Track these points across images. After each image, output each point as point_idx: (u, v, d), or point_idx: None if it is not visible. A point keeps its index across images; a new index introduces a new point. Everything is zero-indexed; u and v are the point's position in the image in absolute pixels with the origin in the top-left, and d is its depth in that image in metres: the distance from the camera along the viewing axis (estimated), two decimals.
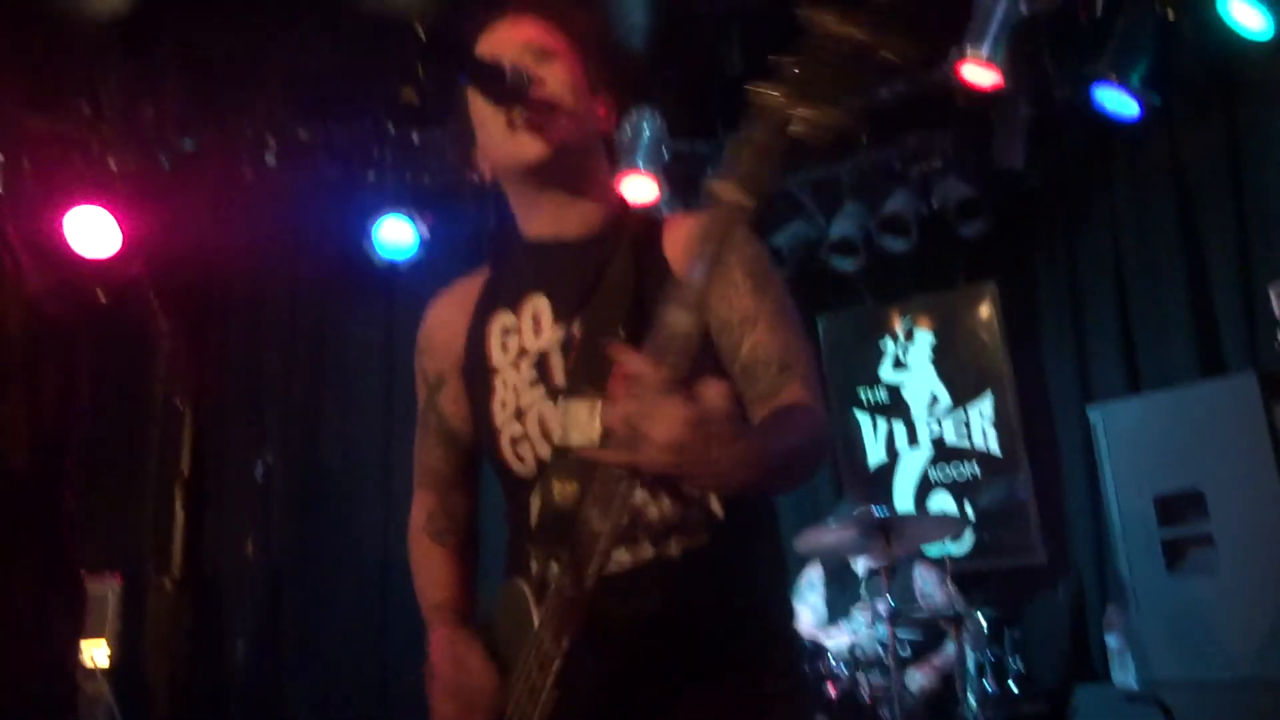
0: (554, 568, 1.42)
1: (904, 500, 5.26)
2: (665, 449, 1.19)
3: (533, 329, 1.61)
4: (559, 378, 1.57)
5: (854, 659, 3.94)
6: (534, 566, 1.51)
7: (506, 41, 1.60)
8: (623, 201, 1.70)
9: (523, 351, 1.61)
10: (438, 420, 1.75)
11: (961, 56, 4.09)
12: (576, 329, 1.56)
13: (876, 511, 4.04)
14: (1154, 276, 4.63)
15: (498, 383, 1.62)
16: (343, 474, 5.48)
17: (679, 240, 1.57)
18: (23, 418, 1.90)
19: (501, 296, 1.67)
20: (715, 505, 1.54)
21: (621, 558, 1.50)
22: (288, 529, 5.20)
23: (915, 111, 4.70)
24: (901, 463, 5.33)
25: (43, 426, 1.95)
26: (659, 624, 1.50)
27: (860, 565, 4.47)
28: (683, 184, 4.91)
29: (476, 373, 1.66)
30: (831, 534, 4.14)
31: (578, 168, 1.62)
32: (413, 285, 5.18)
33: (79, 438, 2.02)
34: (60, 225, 4.39)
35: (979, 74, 4.14)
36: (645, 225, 1.63)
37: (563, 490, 1.49)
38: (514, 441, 1.59)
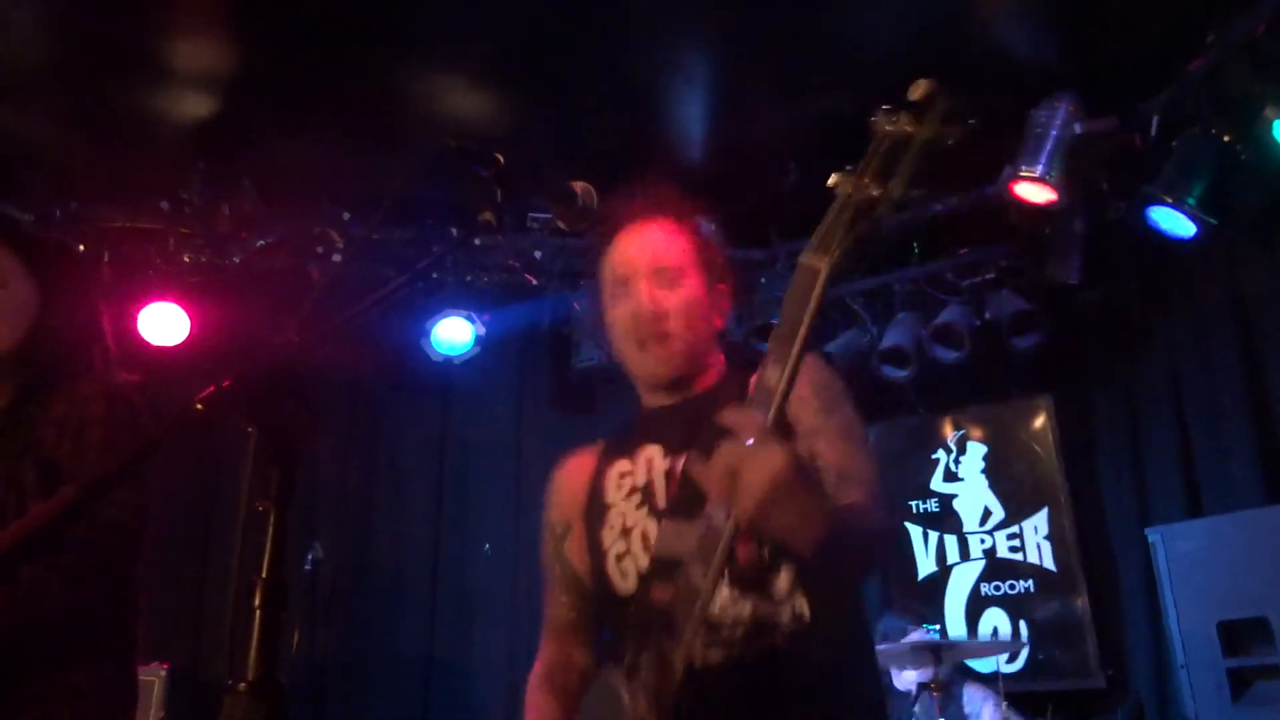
0: (644, 657, 1.52)
1: (954, 614, 5.14)
2: (761, 488, 1.31)
3: (645, 469, 1.81)
4: (661, 500, 1.75)
5: None
6: (626, 658, 1.60)
7: (638, 262, 1.81)
8: (725, 364, 1.90)
9: (634, 488, 1.80)
10: (563, 567, 1.89)
11: (1016, 174, 4.14)
12: (680, 463, 1.73)
13: (929, 634, 3.96)
14: (1214, 399, 4.55)
15: (611, 514, 1.80)
16: (391, 572, 5.48)
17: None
18: (111, 507, 1.95)
19: (620, 450, 1.87)
20: (803, 606, 1.65)
21: (713, 657, 1.60)
22: (334, 625, 5.20)
23: (968, 226, 4.75)
24: (953, 576, 5.22)
25: (124, 517, 2.00)
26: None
27: (904, 681, 4.35)
28: (738, 290, 4.97)
29: (594, 511, 1.84)
30: (880, 651, 4.05)
31: (696, 365, 1.83)
32: (467, 382, 5.25)
33: (153, 532, 2.07)
34: (135, 317, 4.55)
35: (1033, 191, 4.18)
36: (743, 374, 1.79)
37: (660, 594, 1.59)
38: (619, 558, 1.75)
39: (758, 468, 1.32)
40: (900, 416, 5.45)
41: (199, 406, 1.12)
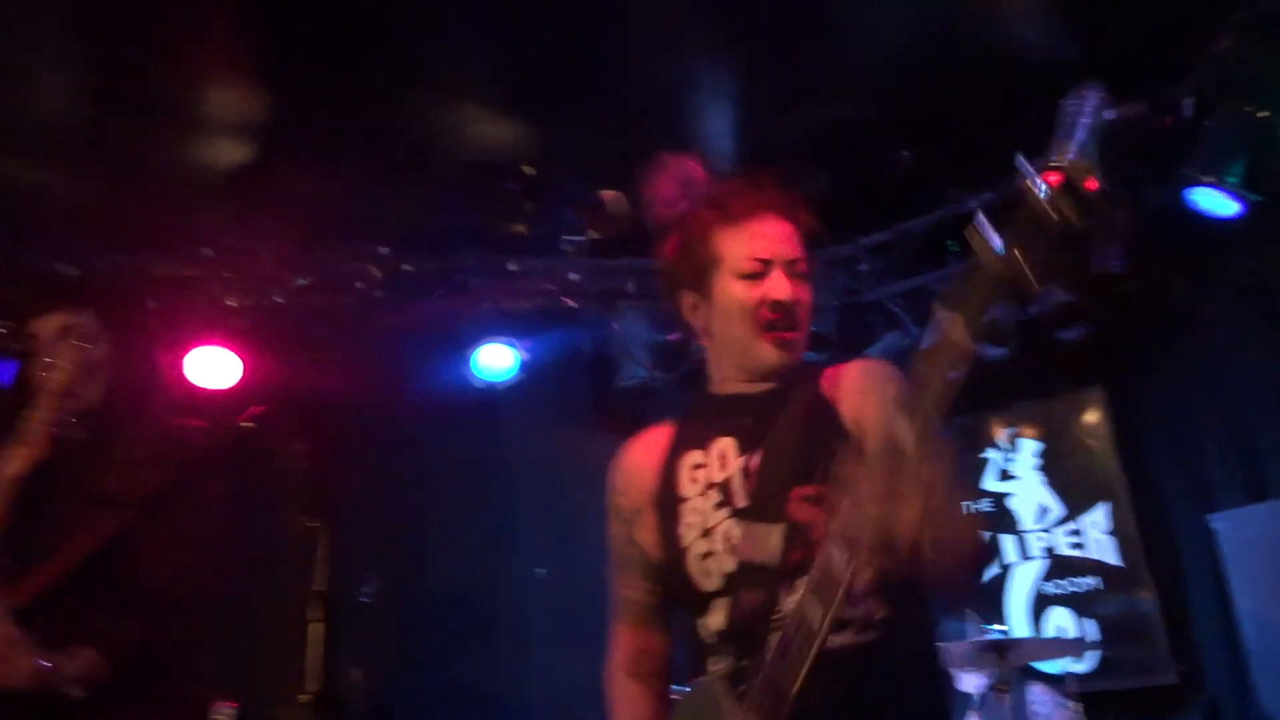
0: (742, 666, 1.58)
1: (1017, 615, 5.05)
2: (901, 546, 1.37)
3: (719, 464, 1.82)
4: (740, 501, 1.77)
5: None
6: (720, 667, 1.68)
7: (778, 250, 1.83)
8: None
9: (710, 483, 1.81)
10: (635, 551, 1.90)
11: (1049, 165, 4.08)
12: (755, 462, 1.78)
13: (993, 632, 3.89)
14: (1271, 381, 4.45)
15: (685, 509, 1.82)
16: (444, 600, 5.49)
17: (838, 383, 1.82)
18: (166, 544, 1.99)
19: (692, 439, 1.88)
20: (878, 604, 1.68)
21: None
22: (391, 654, 5.23)
23: (1003, 220, 4.69)
24: (1013, 576, 5.14)
25: (182, 554, 2.04)
26: (833, 712, 1.61)
27: (968, 683, 4.28)
28: None
29: (667, 503, 1.85)
30: (943, 651, 3.99)
31: (797, 362, 1.86)
32: (511, 407, 5.28)
33: (211, 565, 2.11)
34: (183, 361, 4.64)
35: None
36: (808, 373, 1.86)
37: (750, 600, 1.67)
38: (702, 557, 1.77)
39: (900, 523, 1.37)
40: (947, 417, 5.36)
41: (246, 424, 1.15)
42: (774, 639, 1.59)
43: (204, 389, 4.69)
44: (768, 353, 1.82)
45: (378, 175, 4.52)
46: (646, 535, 1.88)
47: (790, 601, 1.62)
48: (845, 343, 4.93)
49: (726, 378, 1.90)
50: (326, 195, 4.65)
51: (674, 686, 1.87)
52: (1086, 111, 4.61)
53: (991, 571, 5.18)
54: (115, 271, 4.66)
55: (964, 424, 5.36)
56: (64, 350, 2.11)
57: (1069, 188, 1.33)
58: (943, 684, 1.92)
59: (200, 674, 2.14)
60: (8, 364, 2.18)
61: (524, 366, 5.21)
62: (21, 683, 1.84)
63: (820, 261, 5.04)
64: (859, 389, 1.77)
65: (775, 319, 1.81)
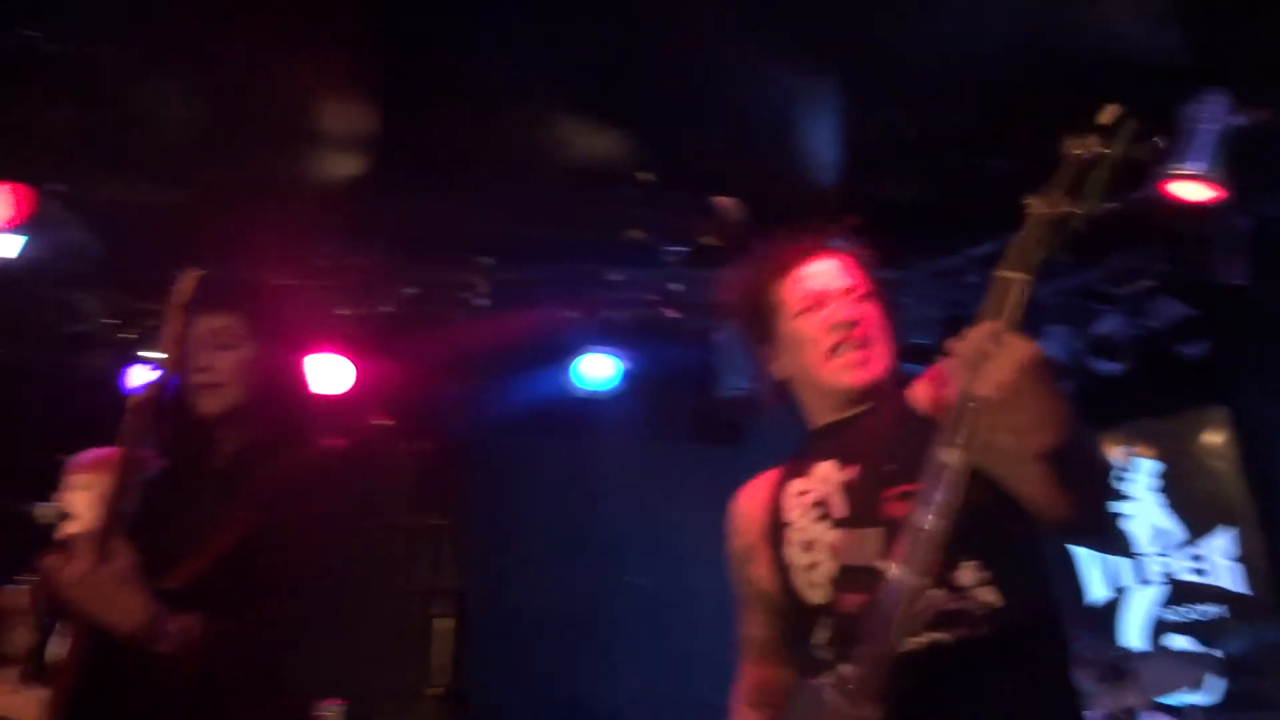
0: (847, 669, 1.57)
1: (1134, 641, 4.85)
2: (1009, 371, 1.42)
3: (820, 485, 1.86)
4: (839, 511, 1.80)
5: None
6: (829, 663, 1.67)
7: (832, 283, 1.90)
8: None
9: (812, 504, 1.86)
10: (752, 589, 1.96)
11: (1169, 173, 3.93)
12: (851, 475, 1.82)
13: (1112, 649, 3.74)
14: None
15: (790, 532, 1.86)
16: (538, 611, 5.51)
17: (920, 392, 1.83)
18: (292, 543, 2.04)
19: (796, 471, 1.93)
20: (991, 596, 1.66)
21: (910, 642, 1.59)
22: (485, 661, 5.30)
23: (1117, 232, 4.53)
24: (1129, 601, 4.93)
25: (306, 552, 2.09)
26: (942, 708, 1.60)
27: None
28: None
29: (774, 532, 1.89)
30: None
31: (881, 383, 1.88)
32: (610, 418, 5.31)
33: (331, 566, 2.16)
34: (301, 369, 4.80)
35: (1191, 189, 3.95)
36: (895, 388, 1.89)
37: (852, 601, 1.68)
38: (807, 569, 1.80)
39: (1008, 351, 1.42)
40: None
41: (376, 424, 1.17)
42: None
43: (320, 395, 4.85)
44: (841, 376, 1.85)
45: (482, 186, 4.61)
46: (761, 570, 1.92)
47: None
48: None
49: (821, 412, 1.94)
50: (433, 207, 4.76)
51: None
52: (1211, 118, 4.44)
53: (1107, 595, 4.98)
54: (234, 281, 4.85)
55: None
56: (213, 353, 2.17)
57: (1096, 127, 1.53)
58: (1079, 700, 1.77)
59: (312, 672, 2.19)
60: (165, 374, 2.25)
61: (625, 376, 5.23)
62: (129, 623, 1.86)
63: (925, 274, 4.94)
64: (940, 381, 1.75)
65: (839, 340, 1.85)
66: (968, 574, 1.66)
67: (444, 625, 1.23)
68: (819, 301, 1.89)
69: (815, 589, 1.78)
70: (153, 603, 1.88)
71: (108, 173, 4.35)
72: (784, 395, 2.00)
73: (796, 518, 1.86)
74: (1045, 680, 1.69)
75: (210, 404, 2.16)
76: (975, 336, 1.45)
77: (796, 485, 1.90)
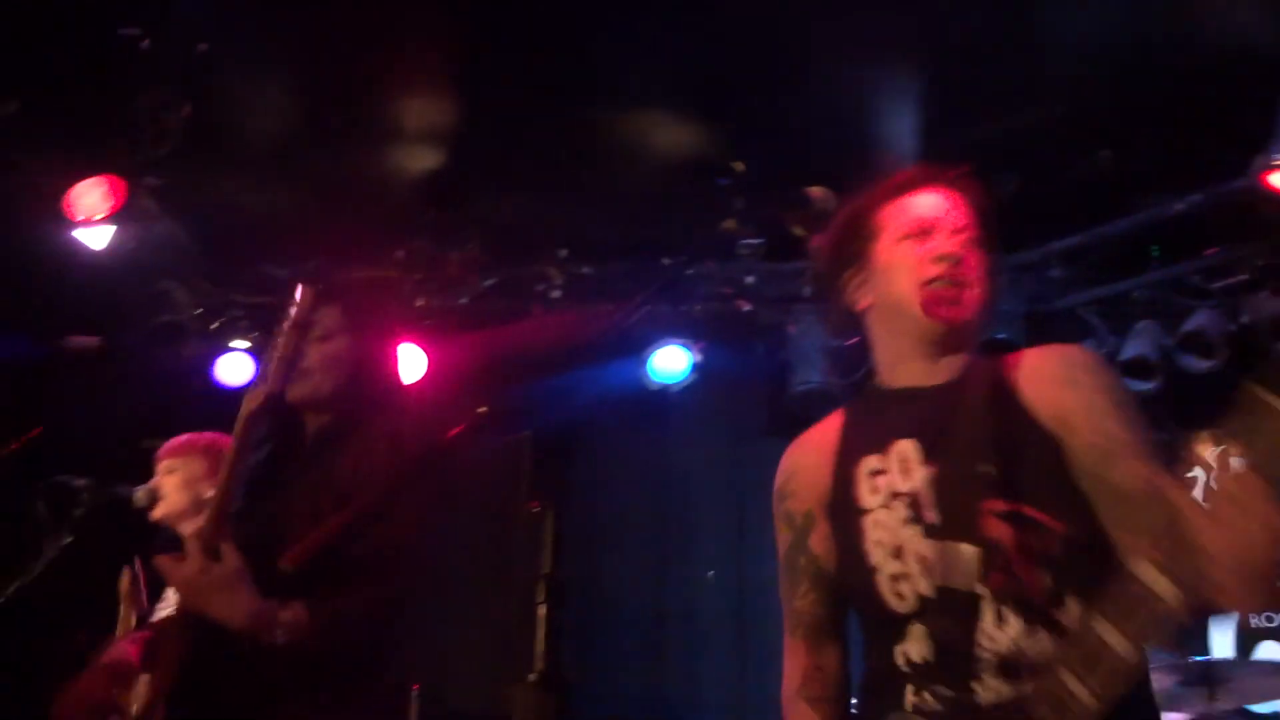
0: (948, 699, 1.51)
1: (1222, 649, 4.69)
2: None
3: (901, 471, 1.67)
4: (931, 516, 1.62)
5: None
6: (920, 700, 1.57)
7: (942, 215, 1.74)
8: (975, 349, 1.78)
9: (895, 494, 1.66)
10: (809, 562, 1.78)
11: (1268, 165, 3.79)
12: (943, 469, 1.63)
13: (1200, 655, 3.62)
14: None
15: (868, 523, 1.67)
16: (617, 605, 5.52)
17: (1026, 373, 1.66)
18: (391, 531, 2.07)
19: (867, 441, 1.73)
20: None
21: (1003, 690, 1.51)
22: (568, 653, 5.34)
23: (1213, 225, 4.38)
24: None
25: (405, 541, 2.12)
26: None
27: None
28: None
29: (845, 514, 1.71)
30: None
31: (970, 334, 1.74)
32: (684, 411, 5.30)
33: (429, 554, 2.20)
34: (392, 360, 4.90)
35: None
36: (992, 366, 1.71)
37: (951, 630, 1.56)
38: (894, 579, 1.63)
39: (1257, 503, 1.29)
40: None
41: (482, 411, 1.19)
42: (986, 678, 1.50)
43: (410, 384, 4.94)
44: (934, 308, 1.68)
45: (563, 183, 4.64)
46: (819, 544, 1.75)
47: (999, 637, 1.52)
48: None
49: (896, 362, 1.76)
50: (514, 201, 4.82)
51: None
52: None
53: None
54: (317, 274, 4.97)
55: (1164, 441, 5.02)
56: (308, 343, 2.21)
57: None
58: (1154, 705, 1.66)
59: (410, 656, 2.22)
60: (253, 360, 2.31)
61: (698, 369, 5.22)
62: (240, 620, 1.92)
63: (1006, 268, 4.84)
64: (1058, 379, 1.62)
65: (939, 274, 1.67)
66: (1073, 611, 1.53)
67: (542, 612, 1.21)
68: (925, 230, 1.72)
69: (904, 601, 1.62)
70: (262, 599, 1.93)
71: (201, 168, 4.49)
72: (855, 328, 1.81)
73: (876, 507, 1.67)
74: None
75: (298, 391, 2.21)
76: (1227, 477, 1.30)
77: (870, 462, 1.71)
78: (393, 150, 4.51)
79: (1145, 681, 1.62)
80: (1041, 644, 1.51)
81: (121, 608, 2.45)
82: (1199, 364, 4.62)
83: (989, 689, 1.51)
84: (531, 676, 1.08)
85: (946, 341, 1.71)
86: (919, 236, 1.72)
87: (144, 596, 2.47)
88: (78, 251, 4.39)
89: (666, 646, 5.38)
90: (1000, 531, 1.55)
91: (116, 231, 4.42)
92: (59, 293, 4.53)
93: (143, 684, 2.13)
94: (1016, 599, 1.53)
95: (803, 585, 1.77)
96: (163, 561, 1.95)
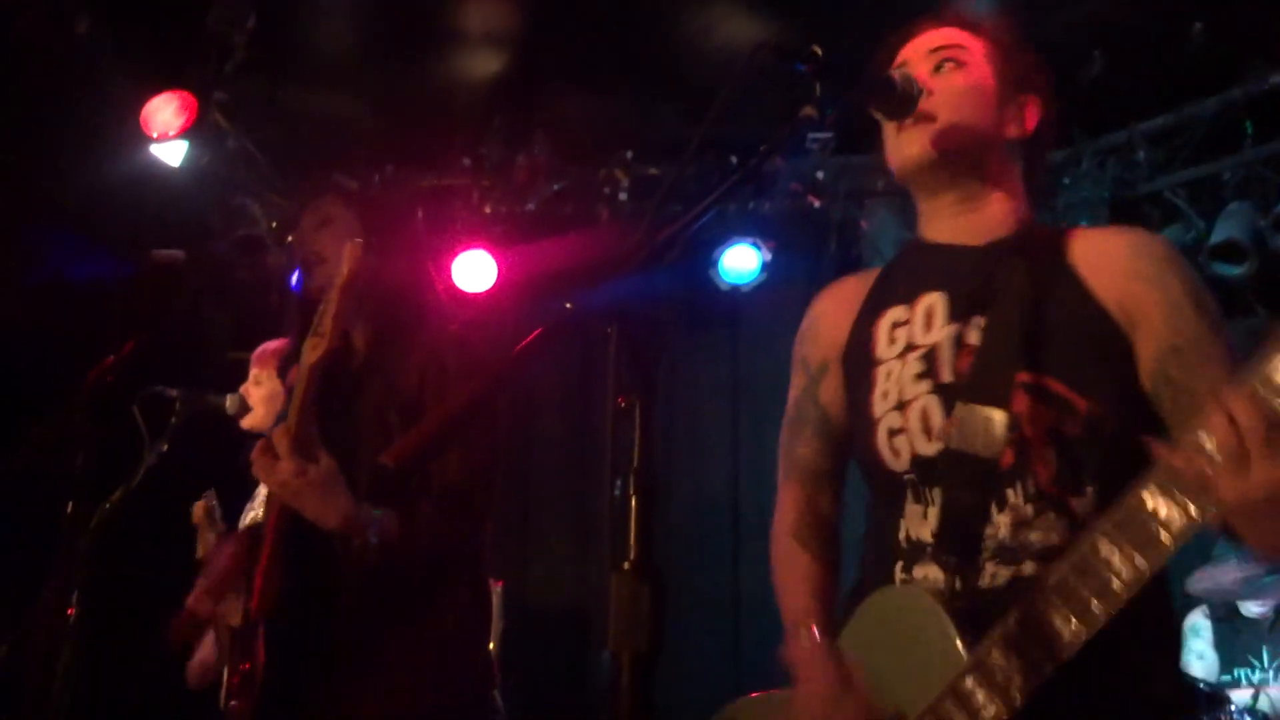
0: (954, 581, 1.44)
1: None
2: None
3: (924, 324, 1.59)
4: (946, 375, 1.54)
5: (1260, 713, 3.50)
6: (923, 576, 1.50)
7: (913, 47, 1.66)
8: (1029, 218, 1.66)
9: (911, 345, 1.58)
10: (816, 410, 1.73)
11: None
12: (973, 330, 1.54)
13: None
14: None
15: (880, 374, 1.60)
16: (692, 509, 5.55)
17: (1090, 253, 1.55)
18: (465, 444, 2.10)
19: (896, 292, 1.66)
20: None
21: (1000, 573, 1.46)
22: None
23: None
24: None
25: (486, 451, 2.16)
26: None
27: (1255, 609, 3.97)
28: (1051, 117, 4.67)
29: (859, 363, 1.65)
30: (1232, 573, 3.70)
31: (973, 172, 1.62)
32: (756, 311, 5.27)
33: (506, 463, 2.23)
34: (449, 267, 4.94)
35: None
36: (1051, 235, 1.61)
37: (963, 500, 1.47)
38: (891, 433, 1.56)
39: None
40: (1236, 318, 4.89)
41: (568, 306, 1.19)
42: (1025, 567, 1.42)
43: (468, 293, 4.99)
44: (904, 148, 1.59)
45: (629, 83, 4.56)
46: (830, 394, 1.70)
47: (1006, 519, 1.45)
48: None
49: (931, 216, 1.66)
50: (580, 105, 4.76)
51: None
52: None
53: None
54: (386, 182, 5.01)
55: (1257, 327, 4.87)
56: (325, 240, 2.24)
57: None
58: (1173, 616, 1.60)
59: (502, 552, 2.27)
60: (297, 271, 2.35)
61: (767, 268, 5.17)
62: (335, 521, 1.97)
63: (1090, 151, 4.67)
64: (1128, 270, 1.51)
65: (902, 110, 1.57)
66: (1089, 501, 1.45)
67: (634, 504, 1.23)
68: (901, 67, 1.63)
69: (899, 456, 1.55)
70: (355, 501, 1.98)
71: (269, 81, 4.51)
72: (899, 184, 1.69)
73: (889, 358, 1.59)
74: (1140, 624, 1.40)
75: (318, 279, 2.22)
76: (1246, 415, 1.19)
77: (894, 313, 1.62)
78: (457, 56, 4.47)
79: (1164, 580, 1.51)
80: (1050, 528, 1.45)
81: (200, 532, 2.52)
82: None
83: (987, 572, 1.45)
84: (626, 564, 1.10)
85: (948, 183, 1.61)
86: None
87: (220, 520, 2.53)
88: (157, 168, 4.48)
89: (741, 545, 5.44)
90: (1023, 406, 1.46)
91: (191, 147, 4.49)
92: (142, 209, 4.63)
93: (241, 594, 2.19)
94: (1033, 477, 1.46)
95: (806, 432, 1.73)
96: (259, 464, 1.98)
